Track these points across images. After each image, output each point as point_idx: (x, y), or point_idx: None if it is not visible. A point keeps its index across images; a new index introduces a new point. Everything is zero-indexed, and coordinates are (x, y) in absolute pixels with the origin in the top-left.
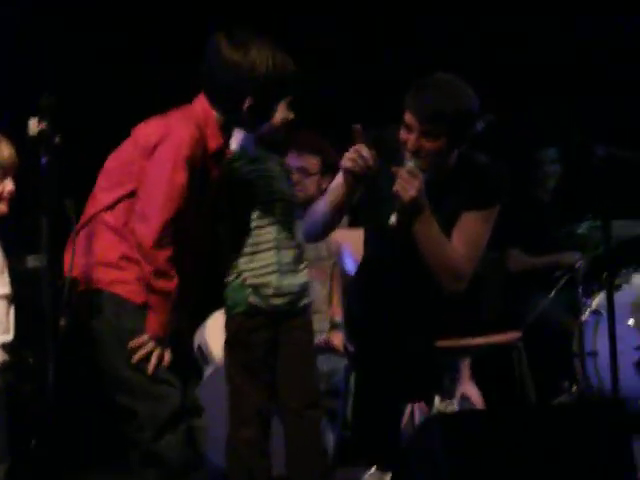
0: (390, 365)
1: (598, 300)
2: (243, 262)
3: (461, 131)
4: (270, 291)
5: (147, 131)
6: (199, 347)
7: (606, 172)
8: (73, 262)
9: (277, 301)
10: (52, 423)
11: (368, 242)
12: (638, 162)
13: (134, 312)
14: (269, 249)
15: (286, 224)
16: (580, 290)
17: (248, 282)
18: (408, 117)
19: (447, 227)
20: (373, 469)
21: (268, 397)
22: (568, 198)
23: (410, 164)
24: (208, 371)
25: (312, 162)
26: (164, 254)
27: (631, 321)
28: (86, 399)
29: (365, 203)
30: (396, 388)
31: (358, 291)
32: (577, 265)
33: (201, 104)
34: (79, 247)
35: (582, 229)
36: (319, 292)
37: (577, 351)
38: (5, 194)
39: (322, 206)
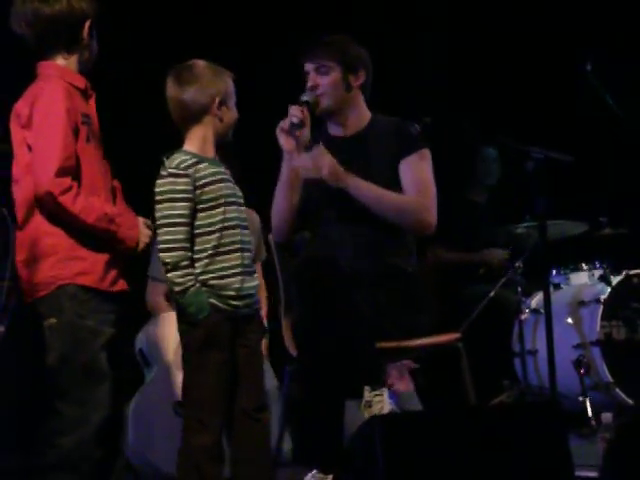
0: (332, 367)
1: (537, 299)
2: (202, 265)
3: (351, 62)
4: (231, 293)
5: (18, 108)
6: (140, 350)
7: (541, 174)
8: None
9: (237, 303)
10: None
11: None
12: (572, 164)
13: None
14: (234, 250)
15: (244, 226)
16: (520, 289)
17: (210, 283)
18: (305, 67)
19: (380, 179)
20: (314, 471)
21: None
22: (506, 199)
23: (305, 97)
24: (151, 374)
25: None
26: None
27: (570, 320)
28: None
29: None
30: (337, 390)
31: (299, 292)
32: (517, 264)
33: (47, 65)
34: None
35: (520, 229)
36: None
37: (517, 350)
38: None
39: (282, 207)
